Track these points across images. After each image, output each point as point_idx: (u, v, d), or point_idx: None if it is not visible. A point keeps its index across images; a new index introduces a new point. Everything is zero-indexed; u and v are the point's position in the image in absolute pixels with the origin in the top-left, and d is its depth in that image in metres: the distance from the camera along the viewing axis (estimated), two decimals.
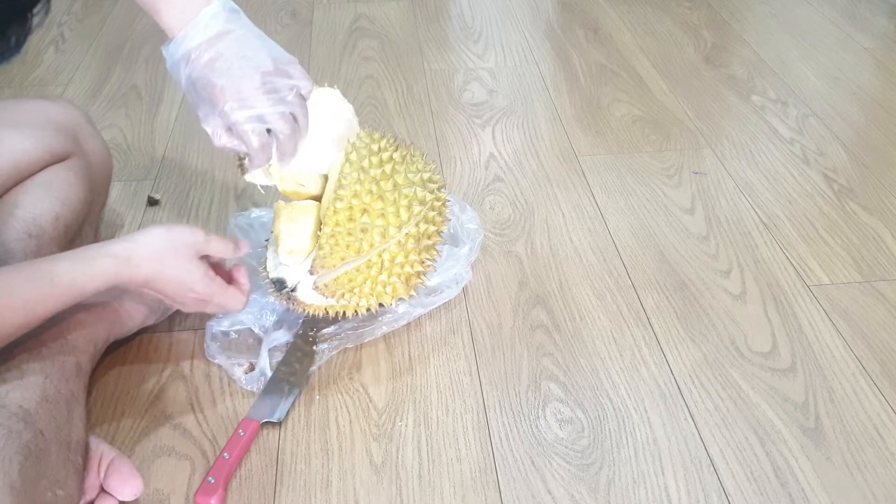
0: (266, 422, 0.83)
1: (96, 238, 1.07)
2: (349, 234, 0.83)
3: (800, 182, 1.26)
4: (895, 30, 1.78)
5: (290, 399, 0.86)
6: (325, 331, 0.92)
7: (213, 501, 0.74)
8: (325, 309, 0.88)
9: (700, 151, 1.33)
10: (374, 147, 0.87)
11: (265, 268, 0.89)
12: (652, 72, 1.58)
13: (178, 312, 0.96)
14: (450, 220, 0.97)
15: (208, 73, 0.76)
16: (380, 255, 0.85)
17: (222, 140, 0.80)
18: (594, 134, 1.37)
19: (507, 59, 1.63)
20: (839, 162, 1.31)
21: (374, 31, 1.73)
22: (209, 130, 0.80)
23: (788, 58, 1.65)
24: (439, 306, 0.98)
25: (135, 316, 0.88)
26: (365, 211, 0.84)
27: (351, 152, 0.87)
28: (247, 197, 1.20)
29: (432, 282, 0.97)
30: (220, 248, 0.84)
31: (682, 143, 1.35)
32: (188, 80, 0.78)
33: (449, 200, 0.95)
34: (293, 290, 0.86)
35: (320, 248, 0.84)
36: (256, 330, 0.92)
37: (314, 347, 0.91)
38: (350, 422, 0.85)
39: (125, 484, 0.72)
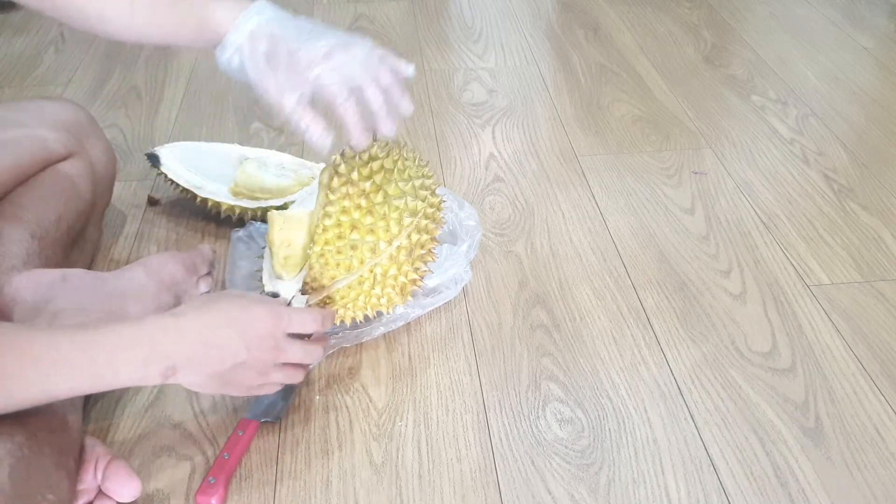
0: (264, 421, 0.83)
1: (100, 239, 1.07)
2: (339, 252, 0.83)
3: (800, 182, 1.26)
4: (895, 30, 1.78)
5: (288, 398, 0.86)
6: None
7: (213, 501, 0.74)
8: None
9: (700, 151, 1.33)
10: (364, 156, 0.87)
11: (261, 279, 0.89)
12: (652, 72, 1.58)
13: None
14: (445, 222, 0.97)
15: (280, 43, 0.73)
16: (371, 270, 0.84)
17: (300, 114, 0.75)
18: (594, 134, 1.37)
19: (507, 59, 1.63)
20: (839, 162, 1.31)
21: (374, 31, 1.73)
22: (290, 100, 0.75)
23: (788, 58, 1.65)
24: (439, 306, 0.98)
25: None
26: (354, 227, 0.83)
27: (339, 164, 0.87)
28: None
29: (432, 282, 0.97)
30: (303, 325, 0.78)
31: (682, 143, 1.35)
32: (253, 57, 0.75)
33: (445, 200, 0.95)
34: (288, 306, 0.86)
35: (310, 267, 0.84)
36: None
37: None
38: (350, 422, 0.85)
39: (123, 486, 0.72)
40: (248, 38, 0.75)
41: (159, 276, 0.90)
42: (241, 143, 1.17)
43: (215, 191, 1.09)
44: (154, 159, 1.09)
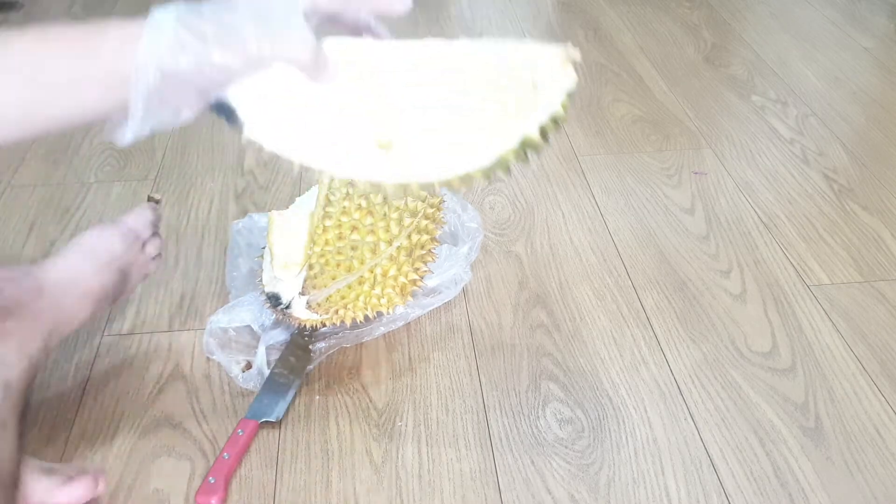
0: (265, 421, 0.83)
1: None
2: (339, 252, 0.83)
3: (800, 182, 1.25)
4: (895, 30, 1.78)
5: (288, 398, 0.86)
6: (322, 330, 0.92)
7: (213, 501, 0.74)
8: (322, 322, 0.88)
9: (700, 151, 1.33)
10: None
11: (261, 279, 0.89)
12: (652, 72, 1.58)
13: (176, 312, 0.96)
14: (445, 222, 0.97)
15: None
16: (371, 271, 0.84)
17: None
18: (594, 134, 1.37)
19: None
20: (839, 162, 1.31)
21: None
22: None
23: (788, 58, 1.65)
24: (439, 306, 0.98)
25: (79, 313, 0.78)
26: (354, 228, 0.83)
27: None
28: (246, 197, 1.20)
29: (432, 283, 0.97)
30: None
31: (682, 143, 1.35)
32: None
33: (446, 202, 0.95)
34: (287, 307, 0.86)
35: (311, 267, 0.84)
36: (255, 328, 0.92)
37: (311, 346, 0.91)
38: (350, 422, 0.85)
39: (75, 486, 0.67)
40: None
41: (94, 254, 0.80)
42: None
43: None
44: (227, 113, 0.58)
